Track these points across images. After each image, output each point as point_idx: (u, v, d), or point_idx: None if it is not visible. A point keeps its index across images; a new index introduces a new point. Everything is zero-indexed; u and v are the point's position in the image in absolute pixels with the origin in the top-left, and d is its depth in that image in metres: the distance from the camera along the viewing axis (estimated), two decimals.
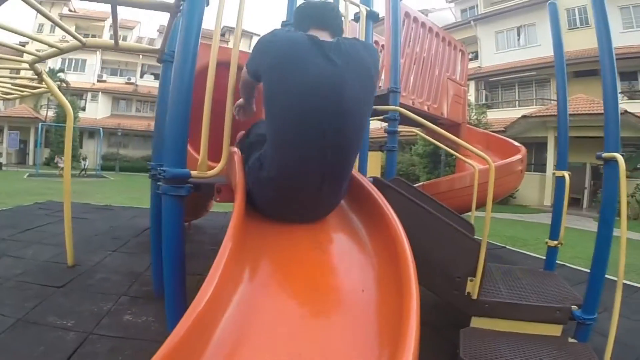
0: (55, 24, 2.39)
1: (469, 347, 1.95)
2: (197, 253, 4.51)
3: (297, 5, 1.52)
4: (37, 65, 3.73)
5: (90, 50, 29.34)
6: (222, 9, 1.56)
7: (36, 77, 4.08)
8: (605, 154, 2.06)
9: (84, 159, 21.09)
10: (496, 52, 19.71)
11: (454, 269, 2.12)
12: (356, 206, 1.52)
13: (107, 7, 1.94)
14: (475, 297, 2.07)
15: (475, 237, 2.52)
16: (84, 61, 29.75)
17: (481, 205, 2.93)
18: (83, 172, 19.56)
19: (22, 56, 4.10)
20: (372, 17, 2.18)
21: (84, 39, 2.80)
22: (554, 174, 3.13)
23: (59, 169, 18.73)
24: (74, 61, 29.30)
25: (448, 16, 24.99)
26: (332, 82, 1.23)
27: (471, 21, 20.95)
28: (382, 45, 4.06)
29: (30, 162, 25.07)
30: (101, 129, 22.11)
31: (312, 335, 0.94)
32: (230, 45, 1.76)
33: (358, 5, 2.12)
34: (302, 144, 1.26)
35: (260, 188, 1.37)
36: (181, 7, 1.79)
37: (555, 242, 3.07)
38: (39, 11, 2.11)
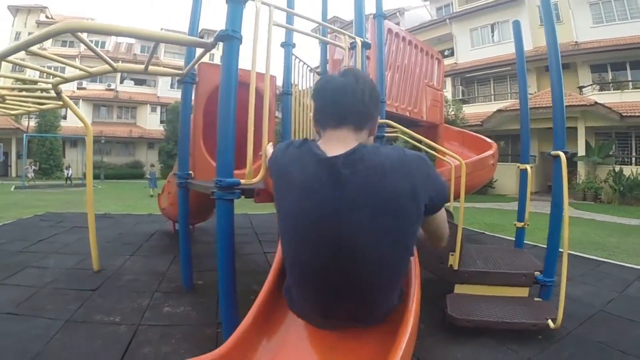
0: (94, 52, 2.65)
1: (454, 306, 2.47)
2: (208, 253, 4.92)
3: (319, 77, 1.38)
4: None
5: (70, 57, 29.00)
6: (256, 49, 2.01)
7: (55, 95, 4.34)
8: (553, 152, 2.60)
9: (67, 167, 20.99)
10: (471, 49, 20.47)
11: None
12: None
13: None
14: (456, 268, 2.60)
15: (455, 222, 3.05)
16: (63, 69, 29.42)
17: (459, 197, 3.46)
18: (68, 182, 19.49)
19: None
20: (366, 45, 2.68)
21: (114, 64, 2.97)
22: (518, 167, 3.67)
23: (27, 179, 18.49)
24: (52, 69, 28.96)
25: (424, 14, 25.69)
26: (333, 217, 1.02)
27: (446, 19, 21.66)
28: (368, 57, 4.56)
29: (13, 174, 24.59)
30: (85, 137, 22.00)
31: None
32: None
33: (354, 37, 2.61)
34: (316, 292, 1.14)
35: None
36: (216, 45, 2.22)
37: (522, 223, 3.65)
38: (84, 43, 2.41)
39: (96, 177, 23.85)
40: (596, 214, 10.01)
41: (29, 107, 5.56)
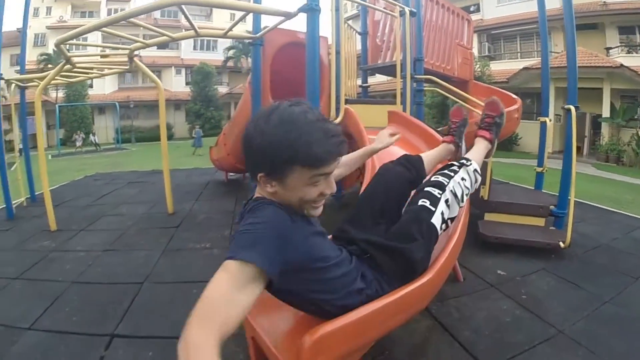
0: (189, 22, 3.03)
1: (485, 228, 3.11)
2: None
3: None
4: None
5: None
6: (337, 18, 2.52)
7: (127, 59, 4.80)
8: (566, 106, 3.08)
9: (93, 134, 21.88)
10: (498, 5, 19.85)
11: None
12: None
13: None
14: (486, 198, 3.19)
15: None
16: (85, 39, 29.11)
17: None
18: (97, 147, 20.36)
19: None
20: (413, 14, 3.15)
21: (198, 29, 3.29)
22: (538, 119, 4.13)
23: (75, 147, 19.43)
24: (74, 40, 28.51)
25: None
26: None
27: None
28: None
29: (45, 145, 25.27)
30: (117, 104, 22.70)
31: None
32: None
33: (403, 7, 3.08)
34: None
35: None
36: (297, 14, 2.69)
37: (541, 168, 4.18)
38: (185, 16, 2.93)
39: (127, 140, 24.48)
40: (616, 175, 10.11)
41: (103, 71, 6.09)
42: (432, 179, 1.51)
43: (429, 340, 1.95)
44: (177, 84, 29.21)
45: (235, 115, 5.33)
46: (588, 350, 1.85)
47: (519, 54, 19.11)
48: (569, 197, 3.25)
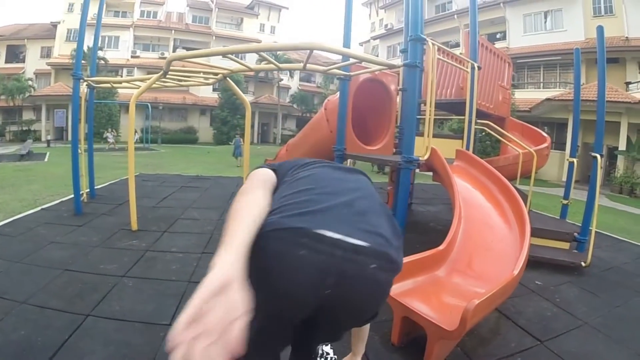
0: (262, 57, 3.76)
1: None
2: None
3: None
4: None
5: (124, 26, 29.46)
6: (430, 71, 3.34)
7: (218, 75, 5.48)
8: (593, 154, 3.89)
9: (135, 132, 21.98)
10: (524, 34, 20.41)
11: None
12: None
13: None
14: None
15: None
16: (117, 38, 29.69)
17: (519, 177, 4.78)
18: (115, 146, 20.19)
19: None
20: (479, 68, 3.98)
21: (279, 65, 3.96)
22: (567, 160, 4.91)
23: (108, 144, 19.65)
24: (106, 38, 28.43)
25: None
26: None
27: (501, 2, 21.55)
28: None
29: (69, 138, 25.35)
30: (149, 104, 22.91)
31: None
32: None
33: (472, 62, 3.90)
34: None
35: None
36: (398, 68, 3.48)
37: (567, 201, 4.98)
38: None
39: (153, 141, 24.15)
40: (629, 207, 10.65)
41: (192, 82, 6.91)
42: None
43: (499, 324, 2.79)
44: (204, 90, 29.09)
45: (304, 134, 6.00)
46: (605, 335, 2.69)
47: (541, 84, 19.64)
48: (591, 227, 4.05)
